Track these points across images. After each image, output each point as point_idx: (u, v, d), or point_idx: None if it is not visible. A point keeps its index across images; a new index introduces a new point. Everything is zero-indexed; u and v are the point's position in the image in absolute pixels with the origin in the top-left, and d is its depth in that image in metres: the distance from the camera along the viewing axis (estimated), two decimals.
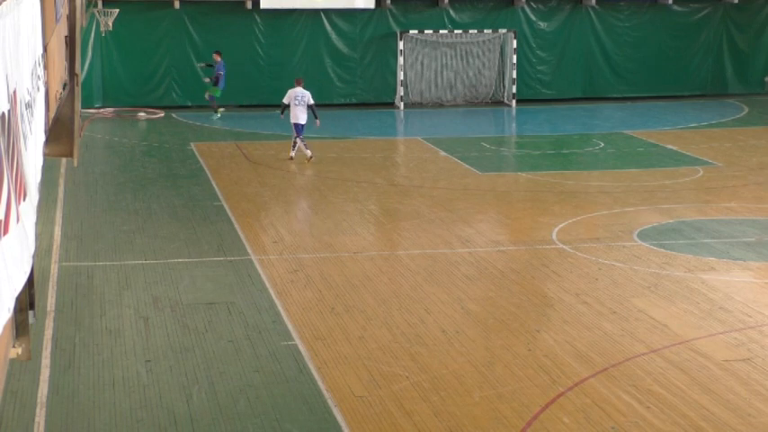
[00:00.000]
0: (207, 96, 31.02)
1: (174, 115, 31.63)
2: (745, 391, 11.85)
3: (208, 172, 23.89)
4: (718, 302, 14.91)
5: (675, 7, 34.43)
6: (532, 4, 34.00)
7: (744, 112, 32.16)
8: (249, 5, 32.49)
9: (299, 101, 24.68)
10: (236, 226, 19.07)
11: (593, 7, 34.17)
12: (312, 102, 24.83)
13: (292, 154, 25.08)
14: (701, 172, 23.73)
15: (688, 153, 25.79)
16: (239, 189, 22.23)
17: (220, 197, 21.40)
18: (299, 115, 24.66)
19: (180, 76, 32.85)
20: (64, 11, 10.73)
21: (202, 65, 31.56)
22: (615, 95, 34.29)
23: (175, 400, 11.67)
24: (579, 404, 11.52)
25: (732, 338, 13.51)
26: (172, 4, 32.27)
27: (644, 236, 18.24)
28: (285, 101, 24.97)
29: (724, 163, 24.78)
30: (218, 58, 30.79)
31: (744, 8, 34.55)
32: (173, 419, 11.20)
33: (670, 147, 26.77)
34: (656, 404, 11.49)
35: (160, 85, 32.74)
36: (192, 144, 27.22)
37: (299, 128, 24.78)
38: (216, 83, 30.78)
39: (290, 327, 13.92)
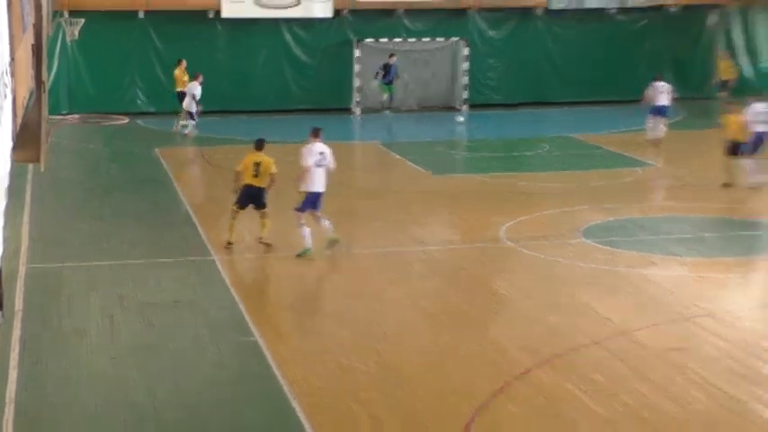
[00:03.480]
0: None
1: (138, 122, 31.47)
2: (682, 379, 11.99)
3: (171, 176, 23.77)
4: (657, 296, 15.06)
5: (618, 17, 34.66)
6: (483, 13, 34.12)
7: (681, 117, 32.42)
8: (211, 15, 32.36)
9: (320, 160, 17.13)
10: (200, 228, 18.99)
11: (540, 17, 34.34)
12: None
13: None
14: (640, 172, 23.94)
15: (628, 155, 25.98)
16: (202, 193, 22.19)
17: (184, 201, 21.31)
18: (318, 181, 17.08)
19: (144, 84, 32.68)
20: (31, 20, 10.71)
21: None
22: (561, 100, 34.45)
23: (141, 396, 11.66)
24: (525, 393, 11.63)
25: (669, 329, 13.67)
26: (136, 14, 32.09)
27: (588, 233, 18.38)
28: (310, 161, 17.05)
29: (662, 163, 25.02)
30: None
31: (682, 18, 34.84)
32: (139, 415, 11.19)
33: (612, 149, 26.96)
34: (598, 392, 11.60)
35: (125, 92, 32.55)
36: (156, 149, 27.06)
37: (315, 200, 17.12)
38: None
39: (250, 324, 13.91)
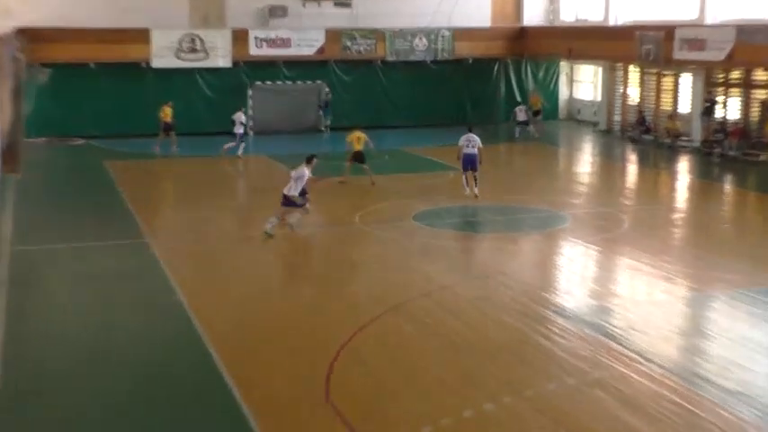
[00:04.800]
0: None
1: (91, 142, 30.24)
2: (485, 318, 12.03)
3: (116, 181, 22.82)
4: (466, 261, 15.15)
5: (432, 66, 34.91)
6: (339, 64, 33.94)
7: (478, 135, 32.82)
8: (144, 65, 31.35)
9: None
10: (137, 218, 18.26)
11: (379, 66, 34.36)
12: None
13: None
14: (452, 174, 23.97)
15: (442, 161, 26.10)
16: (138, 192, 21.36)
17: (125, 198, 20.45)
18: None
19: (94, 115, 31.45)
20: (11, 70, 10.13)
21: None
22: (394, 124, 34.48)
23: (95, 338, 11.06)
24: (377, 332, 11.49)
25: (475, 284, 13.72)
26: (89, 65, 30.91)
27: (417, 218, 18.35)
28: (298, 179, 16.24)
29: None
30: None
31: (475, 67, 35.31)
32: (92, 350, 10.62)
33: (432, 158, 27.09)
34: (427, 329, 11.56)
35: (81, 120, 31.25)
36: (104, 162, 26.04)
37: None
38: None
39: (176, 287, 13.38)
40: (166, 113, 28.61)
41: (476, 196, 20.02)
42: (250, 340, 11.18)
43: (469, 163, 20.31)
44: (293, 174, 16.47)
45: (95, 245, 16.19)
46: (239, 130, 26.76)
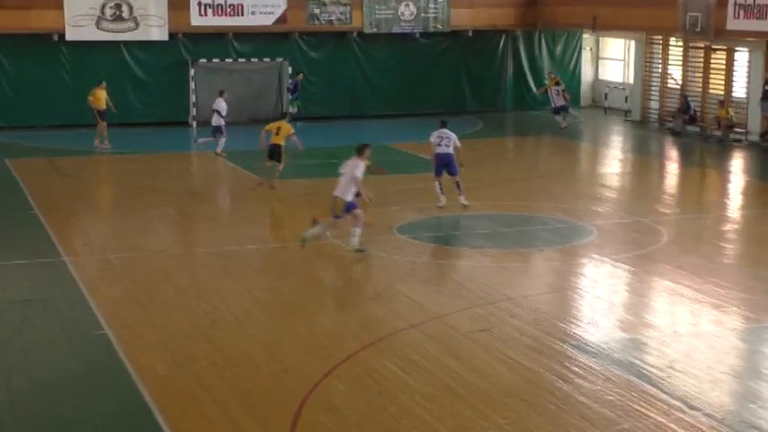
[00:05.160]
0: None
1: None
2: (487, 355, 12.18)
3: (22, 184, 22.92)
4: (463, 284, 15.28)
5: (422, 40, 35.13)
6: (304, 36, 34.07)
7: (479, 126, 33.14)
8: (56, 38, 31.35)
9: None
10: (50, 231, 18.36)
11: (355, 39, 34.52)
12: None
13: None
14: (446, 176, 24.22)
15: None
16: (51, 199, 21.43)
17: (34, 206, 20.55)
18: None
19: None
20: None
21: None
22: (375, 113, 34.70)
23: None
24: (352, 373, 11.62)
25: (475, 313, 13.86)
26: None
27: (402, 230, 18.53)
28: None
29: (465, 168, 25.15)
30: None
31: (477, 41, 35.56)
32: None
33: (421, 155, 27.22)
34: (415, 370, 11.68)
35: None
36: (6, 160, 26.06)
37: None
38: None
39: (100, 318, 13.51)
40: (98, 97, 28.43)
41: (465, 206, 20.19)
42: (195, 386, 11.27)
43: (444, 165, 20.45)
44: (345, 170, 16.56)
45: None
46: (220, 121, 26.48)
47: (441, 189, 20.41)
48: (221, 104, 26.60)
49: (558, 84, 32.52)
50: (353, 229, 16.61)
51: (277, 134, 22.33)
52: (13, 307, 14.01)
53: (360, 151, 16.70)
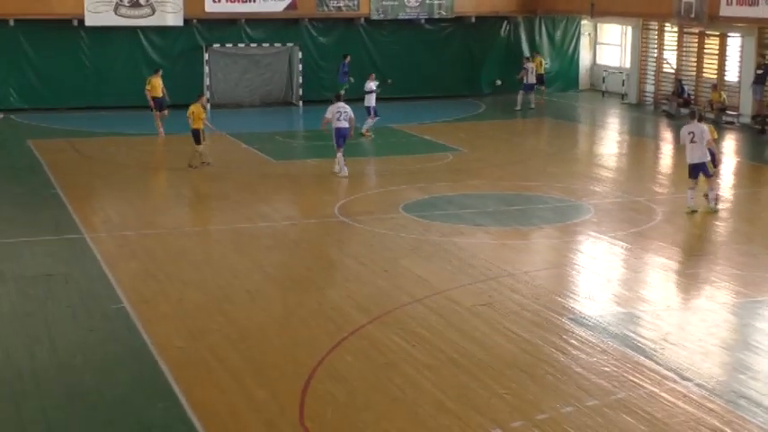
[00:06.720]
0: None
1: (12, 117, 30.28)
2: (488, 329, 12.21)
3: (44, 165, 22.97)
4: (465, 260, 15.29)
5: (427, 26, 35.04)
6: (314, 22, 34.00)
7: (481, 109, 33.08)
8: (75, 23, 31.33)
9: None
10: (71, 210, 18.42)
11: (362, 25, 34.44)
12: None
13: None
14: (451, 157, 24.26)
15: (440, 142, 26.33)
16: (72, 179, 21.47)
17: (56, 186, 20.61)
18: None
19: (17, 83, 31.52)
20: None
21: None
22: (382, 96, 34.53)
23: (20, 357, 11.22)
24: (359, 346, 11.66)
25: (477, 288, 13.89)
26: (7, 21, 30.85)
27: (407, 209, 18.54)
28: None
29: (468, 149, 25.39)
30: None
31: (479, 26, 35.44)
32: (18, 374, 10.76)
33: (426, 137, 27.27)
34: (420, 342, 11.72)
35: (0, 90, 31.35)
36: (29, 141, 26.10)
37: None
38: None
39: (119, 292, 13.56)
40: (154, 86, 27.82)
41: (345, 176, 20.95)
42: (210, 357, 11.32)
43: (343, 137, 21.16)
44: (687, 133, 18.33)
45: (20, 241, 16.28)
46: (371, 102, 26.82)
47: (342, 161, 21.20)
48: (370, 85, 27.09)
49: (533, 61, 33.03)
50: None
51: (196, 119, 22.61)
52: (36, 281, 14.06)
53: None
